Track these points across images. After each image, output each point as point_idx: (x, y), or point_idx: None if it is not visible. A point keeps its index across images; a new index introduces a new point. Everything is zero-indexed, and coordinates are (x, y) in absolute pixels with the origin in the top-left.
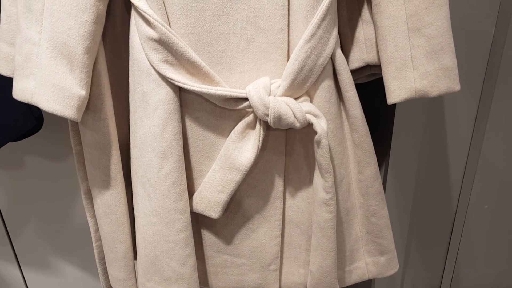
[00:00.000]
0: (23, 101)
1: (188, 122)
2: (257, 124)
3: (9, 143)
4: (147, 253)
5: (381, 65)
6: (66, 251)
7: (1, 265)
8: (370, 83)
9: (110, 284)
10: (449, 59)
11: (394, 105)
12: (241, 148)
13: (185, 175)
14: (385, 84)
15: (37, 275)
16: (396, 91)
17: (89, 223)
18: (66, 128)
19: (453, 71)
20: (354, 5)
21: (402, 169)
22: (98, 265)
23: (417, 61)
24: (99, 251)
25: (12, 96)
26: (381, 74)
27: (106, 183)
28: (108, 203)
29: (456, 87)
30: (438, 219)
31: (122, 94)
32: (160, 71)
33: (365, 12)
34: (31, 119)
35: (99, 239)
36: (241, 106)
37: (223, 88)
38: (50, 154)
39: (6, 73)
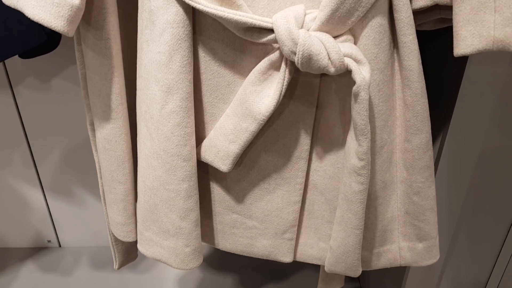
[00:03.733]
0: (10, 6)
1: (201, 54)
2: (283, 65)
3: (36, 63)
4: (147, 199)
5: (453, 4)
6: (89, 181)
7: (25, 188)
8: (434, 32)
9: None
10: None
11: (464, 62)
12: (261, 92)
13: (193, 117)
14: (454, 29)
15: (59, 201)
16: (468, 38)
17: (94, 157)
18: None
19: None
20: None
21: (462, 143)
22: (103, 203)
23: (502, 0)
24: (103, 189)
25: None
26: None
27: (106, 115)
28: (108, 138)
29: None
30: (497, 207)
31: (134, 14)
32: None
33: None
34: (40, 34)
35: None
36: (265, 39)
37: (245, 14)
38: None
39: None
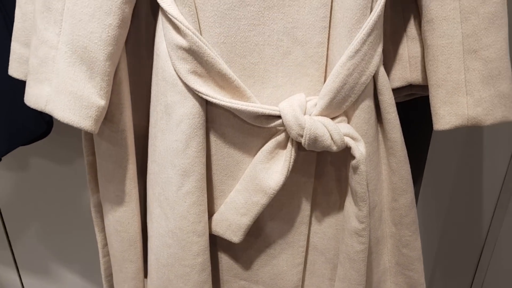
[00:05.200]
0: (36, 109)
1: (213, 138)
2: (289, 144)
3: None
4: (160, 276)
5: (430, 88)
6: (67, 259)
7: (0, 269)
8: (403, 103)
9: None
10: (506, 86)
11: (430, 129)
12: (269, 169)
13: (206, 195)
14: (432, 109)
15: (35, 280)
16: (446, 117)
17: (97, 237)
18: (74, 132)
19: (510, 99)
20: (399, 20)
21: (433, 197)
22: (104, 282)
23: (472, 85)
24: (106, 267)
25: (22, 100)
26: (421, 94)
27: (119, 199)
28: (120, 220)
29: None
30: (465, 252)
31: (141, 103)
32: (188, 83)
33: (411, 27)
34: (41, 124)
35: (106, 254)
36: (272, 124)
37: (255, 104)
38: (56, 157)
39: (18, 75)
